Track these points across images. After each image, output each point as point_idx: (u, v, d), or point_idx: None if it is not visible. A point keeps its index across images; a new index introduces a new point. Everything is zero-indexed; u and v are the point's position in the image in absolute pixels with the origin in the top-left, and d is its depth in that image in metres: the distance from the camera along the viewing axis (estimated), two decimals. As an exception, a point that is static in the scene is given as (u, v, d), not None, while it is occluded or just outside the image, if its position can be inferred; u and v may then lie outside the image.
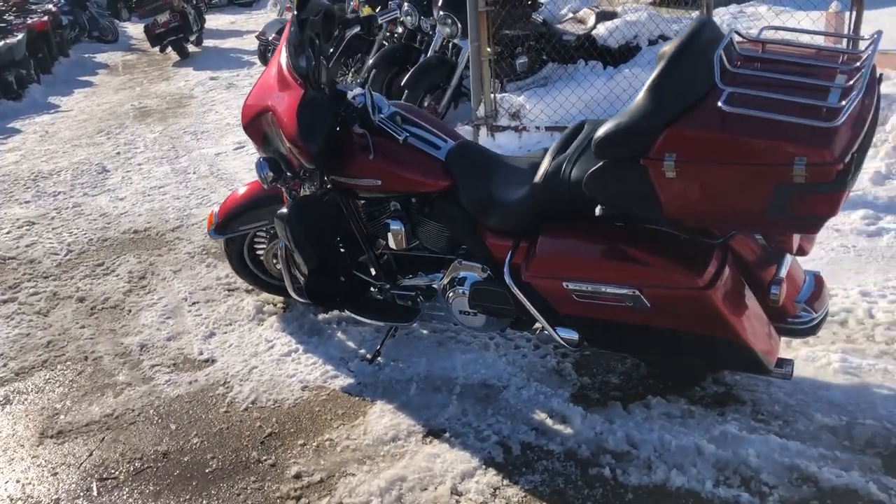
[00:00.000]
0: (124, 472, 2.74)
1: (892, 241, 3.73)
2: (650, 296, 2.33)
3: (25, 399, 3.27)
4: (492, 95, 5.83)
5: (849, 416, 2.57)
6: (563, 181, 2.48)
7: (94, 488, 2.67)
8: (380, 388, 3.02)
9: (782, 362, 2.45)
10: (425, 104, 6.37)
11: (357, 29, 3.26)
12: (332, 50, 3.25)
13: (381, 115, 2.89)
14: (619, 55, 6.42)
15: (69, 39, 15.39)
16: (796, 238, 2.36)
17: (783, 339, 2.62)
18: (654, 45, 6.40)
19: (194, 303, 3.92)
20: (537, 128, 5.80)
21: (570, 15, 7.04)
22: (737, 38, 2.39)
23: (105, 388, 3.27)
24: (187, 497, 2.58)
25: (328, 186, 3.07)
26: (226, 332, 3.59)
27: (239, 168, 6.20)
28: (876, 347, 2.91)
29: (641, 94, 2.23)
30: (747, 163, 2.08)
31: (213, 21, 16.63)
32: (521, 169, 2.80)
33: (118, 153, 7.19)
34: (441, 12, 6.23)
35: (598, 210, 2.46)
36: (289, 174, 3.03)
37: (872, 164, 4.56)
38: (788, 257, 2.45)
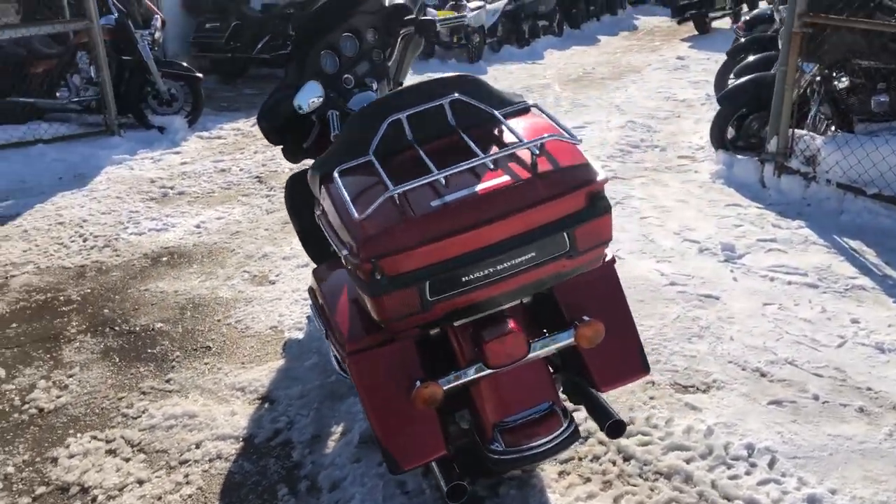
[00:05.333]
0: (125, 329, 3.66)
1: None
2: (333, 342, 2.26)
3: (169, 261, 4.42)
4: (790, 130, 4.99)
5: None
6: None
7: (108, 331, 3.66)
8: (303, 350, 3.35)
9: (445, 477, 2.11)
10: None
11: (410, 30, 3.37)
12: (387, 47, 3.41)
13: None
14: None
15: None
16: (493, 351, 2.00)
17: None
18: None
19: (335, 239, 4.59)
20: (828, 182, 4.80)
21: None
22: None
23: (208, 274, 4.22)
24: (128, 361, 3.38)
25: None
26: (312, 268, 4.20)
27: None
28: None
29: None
30: (336, 240, 1.93)
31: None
32: None
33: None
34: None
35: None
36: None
37: None
38: (478, 369, 2.06)
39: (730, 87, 5.69)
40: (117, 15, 7.31)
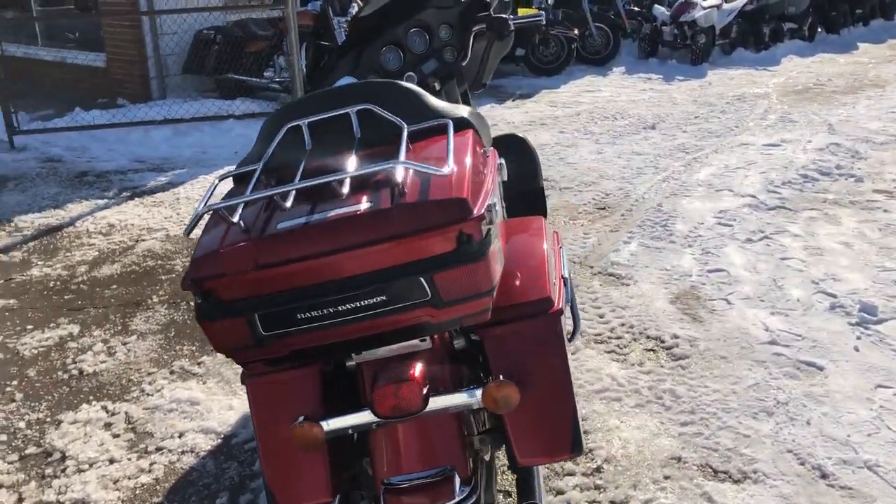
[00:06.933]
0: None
1: None
2: None
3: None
4: None
5: None
6: None
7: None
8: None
9: None
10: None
11: (483, 27, 3.07)
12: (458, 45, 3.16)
13: None
14: None
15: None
16: (381, 399, 1.77)
17: None
18: None
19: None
20: None
21: None
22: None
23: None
24: (179, 338, 3.50)
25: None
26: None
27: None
28: None
29: None
30: None
31: None
32: None
33: (696, 116, 7.32)
34: None
35: None
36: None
37: None
38: (367, 416, 1.80)
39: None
40: (321, 1, 7.66)
